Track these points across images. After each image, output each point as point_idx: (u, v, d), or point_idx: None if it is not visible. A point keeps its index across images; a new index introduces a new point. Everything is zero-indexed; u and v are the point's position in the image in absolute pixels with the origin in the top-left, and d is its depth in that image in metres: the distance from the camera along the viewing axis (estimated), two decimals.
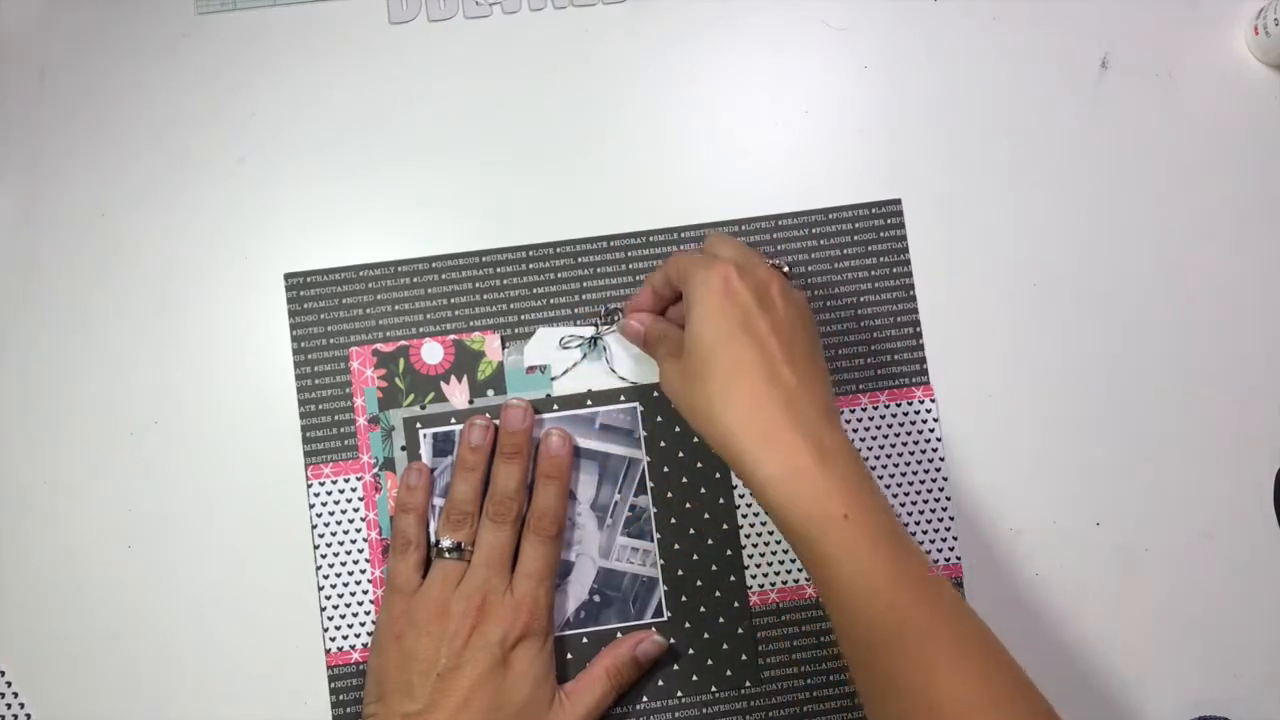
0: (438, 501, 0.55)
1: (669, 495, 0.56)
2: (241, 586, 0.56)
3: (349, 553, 0.56)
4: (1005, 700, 0.44)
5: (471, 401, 0.57)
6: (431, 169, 0.59)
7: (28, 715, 0.55)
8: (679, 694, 0.55)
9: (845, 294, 0.58)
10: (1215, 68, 0.60)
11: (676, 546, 0.56)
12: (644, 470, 0.56)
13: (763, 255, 0.53)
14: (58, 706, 0.55)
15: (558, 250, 0.58)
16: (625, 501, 0.56)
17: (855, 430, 0.57)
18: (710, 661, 0.55)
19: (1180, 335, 0.58)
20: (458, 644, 0.50)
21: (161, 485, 0.56)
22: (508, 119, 0.59)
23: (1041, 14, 0.60)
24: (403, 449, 0.56)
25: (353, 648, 0.56)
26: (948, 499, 0.57)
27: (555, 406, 0.56)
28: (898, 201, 0.59)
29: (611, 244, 0.58)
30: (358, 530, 0.56)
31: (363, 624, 0.56)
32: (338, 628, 0.56)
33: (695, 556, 0.56)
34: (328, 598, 0.56)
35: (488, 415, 0.56)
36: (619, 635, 0.55)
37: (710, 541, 0.56)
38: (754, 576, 0.56)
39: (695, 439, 0.56)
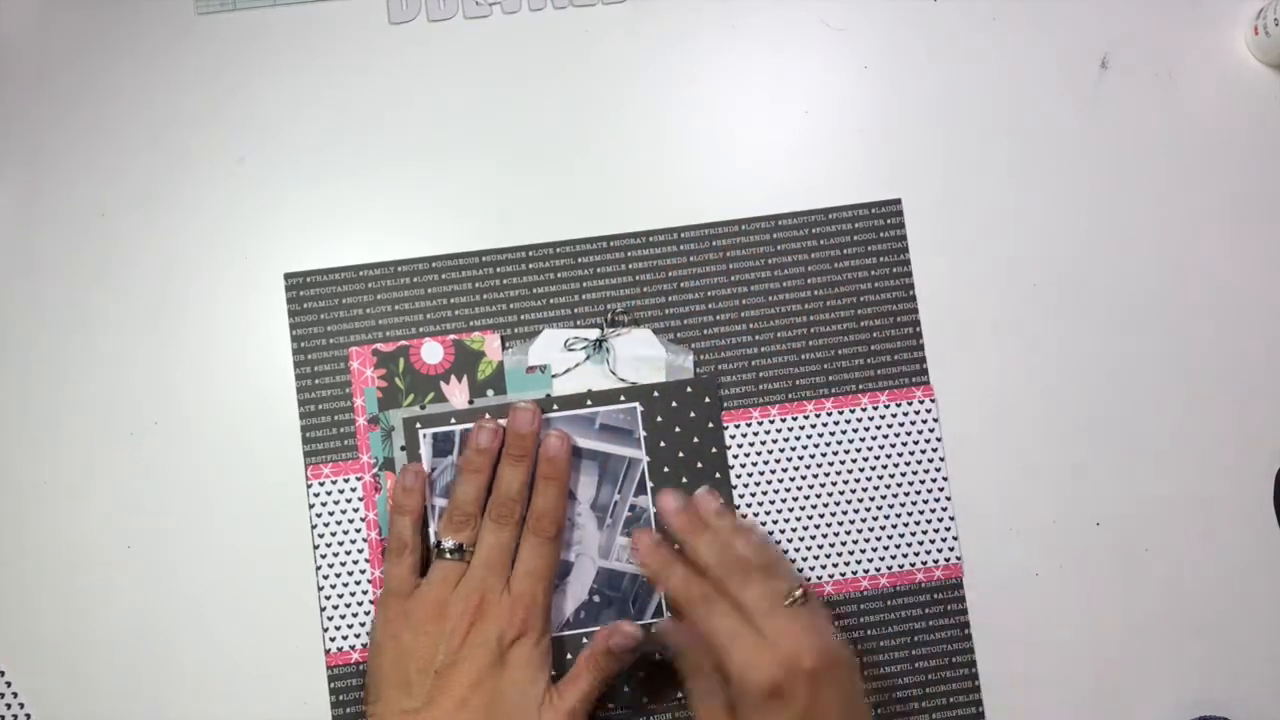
0: (439, 501, 0.55)
1: None
2: (241, 586, 0.56)
3: (349, 553, 0.56)
4: None
5: (472, 401, 0.57)
6: (431, 169, 0.59)
7: (28, 715, 0.55)
8: (679, 694, 0.55)
9: (845, 294, 0.58)
10: (1215, 68, 0.60)
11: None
12: (644, 470, 0.56)
13: (781, 573, 0.52)
14: (58, 706, 0.55)
15: (558, 250, 0.58)
16: (625, 502, 0.56)
17: (855, 430, 0.57)
18: None
19: (1180, 335, 0.58)
20: (455, 642, 0.51)
21: (161, 485, 0.56)
22: (508, 119, 0.59)
23: (1041, 14, 0.60)
24: (402, 449, 0.56)
25: (352, 648, 0.56)
26: (948, 499, 0.57)
27: (555, 406, 0.56)
28: (898, 201, 0.59)
29: (611, 244, 0.58)
30: (357, 530, 0.56)
31: (362, 624, 0.56)
32: (337, 628, 0.56)
33: None
34: (327, 598, 0.56)
35: (492, 418, 0.56)
36: None
37: None
38: None
39: (695, 439, 0.57)
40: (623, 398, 0.57)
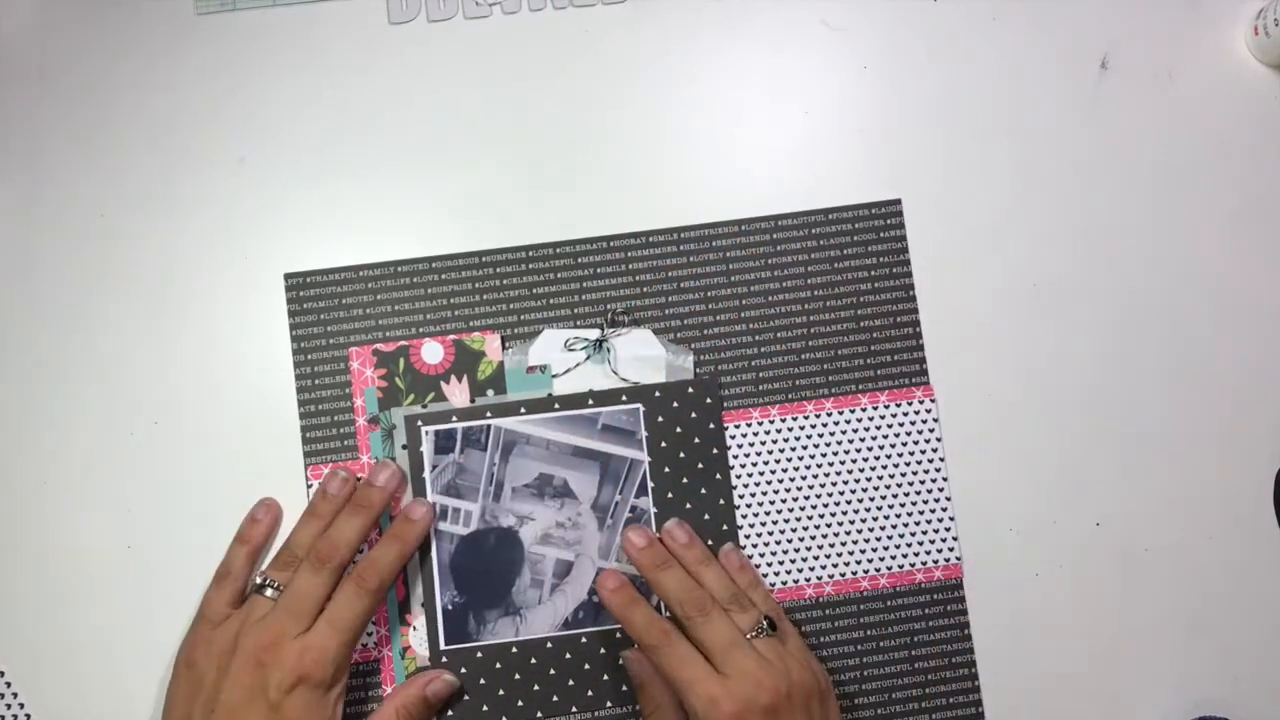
0: (438, 499, 0.55)
1: (669, 496, 0.56)
2: None
3: None
4: None
5: (472, 401, 0.57)
6: (431, 169, 0.59)
7: (28, 715, 0.55)
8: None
9: (845, 294, 0.58)
10: (1215, 68, 0.60)
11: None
12: (645, 471, 0.56)
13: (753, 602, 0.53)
14: (58, 706, 0.55)
15: (558, 250, 0.58)
16: (626, 502, 0.56)
17: (855, 430, 0.57)
18: None
19: (1180, 335, 0.58)
20: (237, 682, 0.49)
21: (161, 485, 0.56)
22: (508, 119, 0.59)
23: (1041, 14, 0.60)
24: (403, 448, 0.56)
25: None
26: (948, 499, 0.57)
27: (556, 406, 0.56)
28: (898, 201, 0.59)
29: (611, 244, 0.58)
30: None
31: None
32: None
33: None
34: None
35: (349, 469, 0.55)
36: (617, 636, 0.55)
37: (710, 543, 0.56)
38: None
39: (696, 439, 0.57)
40: (625, 398, 0.57)
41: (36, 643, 0.55)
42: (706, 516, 0.56)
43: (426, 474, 0.56)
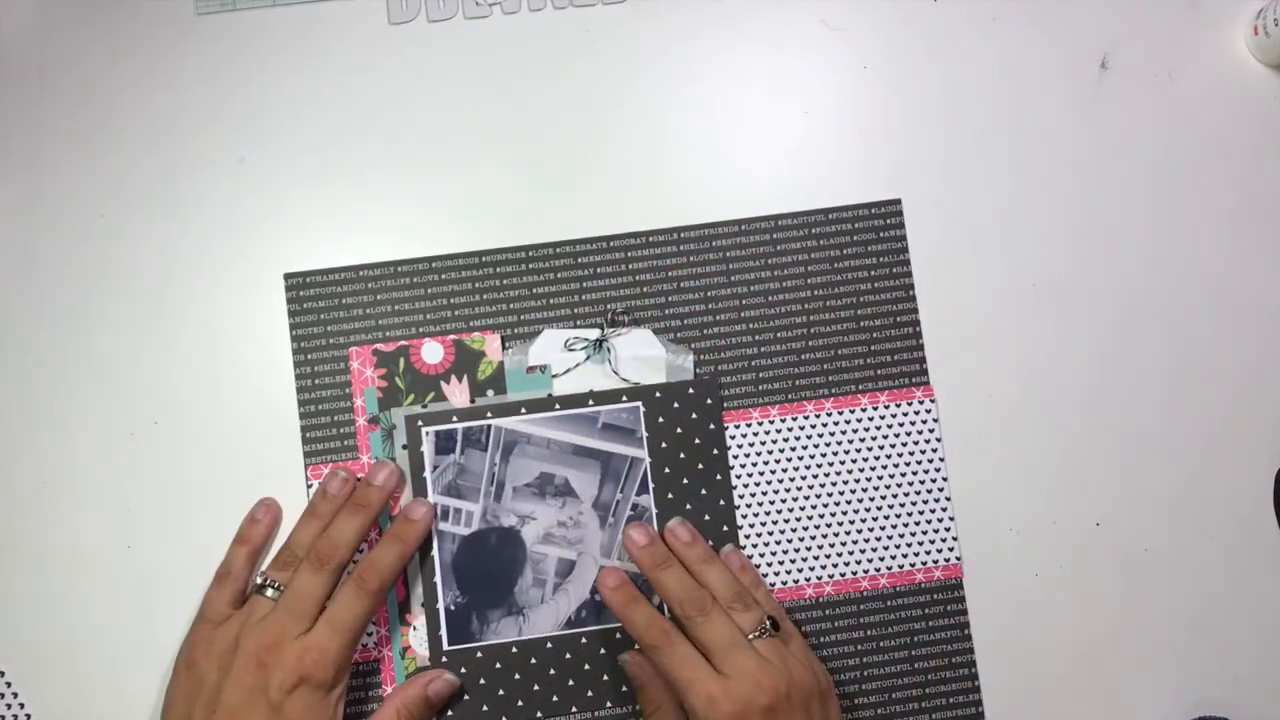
0: (439, 499, 0.55)
1: (670, 495, 0.56)
2: None
3: None
4: None
5: (473, 401, 0.57)
6: (431, 169, 0.59)
7: (28, 715, 0.55)
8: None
9: (845, 294, 0.58)
10: (1215, 68, 0.60)
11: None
12: (646, 470, 0.56)
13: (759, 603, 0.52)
14: (58, 706, 0.55)
15: (558, 250, 0.58)
16: (627, 501, 0.56)
17: (855, 430, 0.57)
18: None
19: (1180, 335, 0.58)
20: (238, 683, 0.49)
21: (161, 485, 0.56)
22: (508, 119, 0.59)
23: (1041, 14, 0.60)
24: (404, 448, 0.56)
25: None
26: (948, 499, 0.57)
27: (557, 406, 0.57)
28: (898, 201, 0.59)
29: (611, 244, 0.58)
30: None
31: None
32: None
33: None
34: None
35: (349, 469, 0.55)
36: (617, 636, 0.55)
37: (710, 542, 0.56)
38: None
39: (697, 440, 0.57)
40: (625, 398, 0.57)
41: (36, 643, 0.55)
42: (707, 517, 0.56)
43: (427, 474, 0.56)
